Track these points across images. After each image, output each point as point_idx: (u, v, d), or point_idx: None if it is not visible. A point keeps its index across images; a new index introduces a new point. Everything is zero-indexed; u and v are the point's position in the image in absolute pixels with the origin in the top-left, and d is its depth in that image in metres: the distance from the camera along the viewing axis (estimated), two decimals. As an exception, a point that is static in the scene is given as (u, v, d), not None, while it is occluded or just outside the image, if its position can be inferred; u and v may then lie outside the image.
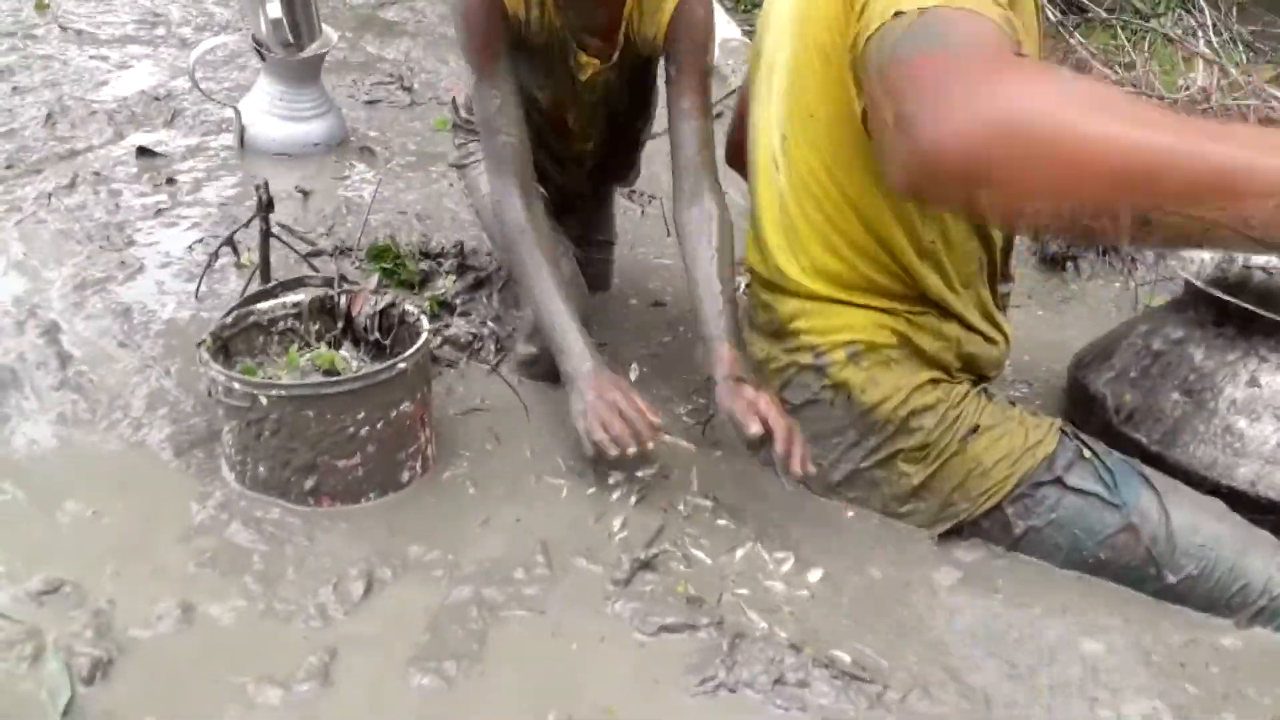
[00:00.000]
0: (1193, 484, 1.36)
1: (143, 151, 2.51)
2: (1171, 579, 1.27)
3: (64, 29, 3.48)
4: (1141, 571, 1.29)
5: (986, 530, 1.37)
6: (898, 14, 1.01)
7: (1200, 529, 1.27)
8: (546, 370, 1.59)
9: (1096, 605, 1.28)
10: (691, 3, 1.49)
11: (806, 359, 1.39)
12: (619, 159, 1.84)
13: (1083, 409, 1.59)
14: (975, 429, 1.33)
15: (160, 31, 3.56)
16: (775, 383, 1.43)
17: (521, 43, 1.51)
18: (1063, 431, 1.34)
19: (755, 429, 1.29)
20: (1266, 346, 1.44)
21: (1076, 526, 1.30)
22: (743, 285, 1.65)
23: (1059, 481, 1.31)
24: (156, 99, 2.88)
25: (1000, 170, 0.90)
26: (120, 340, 1.73)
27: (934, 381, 1.36)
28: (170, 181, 2.38)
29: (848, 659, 1.16)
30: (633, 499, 1.41)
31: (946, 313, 1.35)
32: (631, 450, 1.34)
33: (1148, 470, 1.32)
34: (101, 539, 1.30)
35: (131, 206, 2.24)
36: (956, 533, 1.38)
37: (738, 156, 1.64)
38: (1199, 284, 1.51)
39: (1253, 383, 1.42)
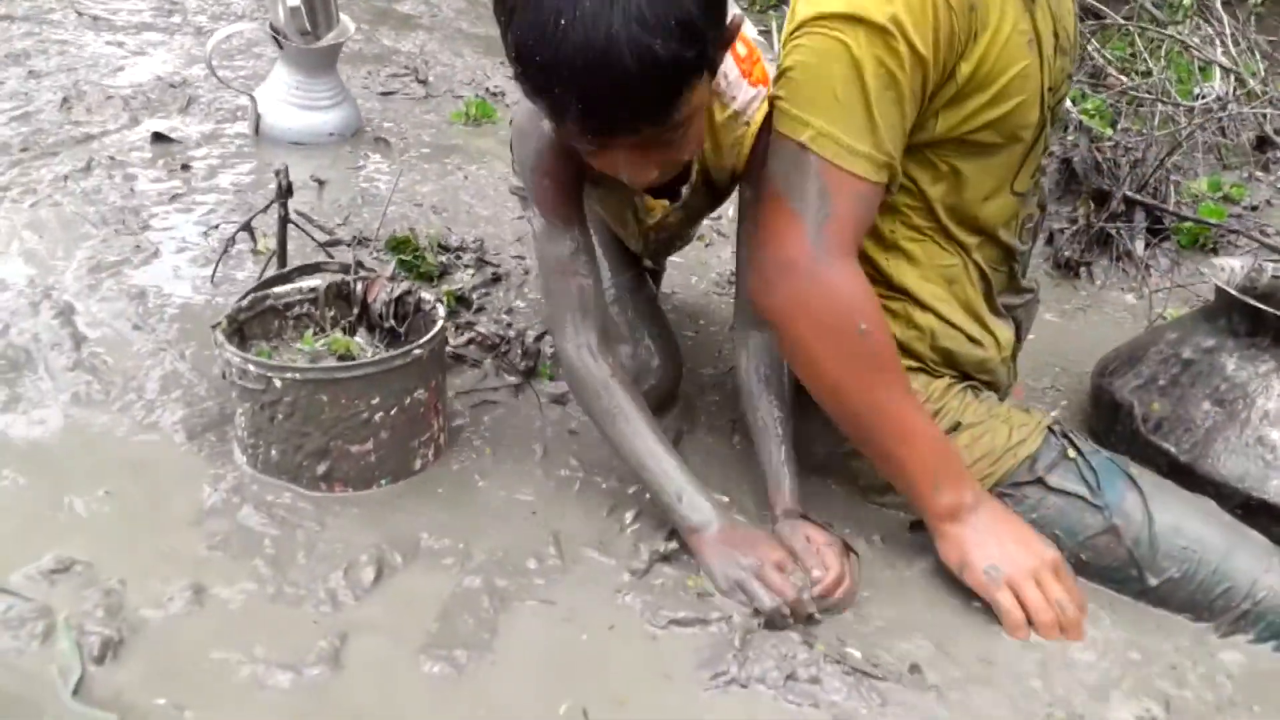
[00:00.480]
0: (1223, 496, 1.34)
1: (158, 137, 2.52)
2: (1153, 581, 1.25)
3: (80, 14, 3.48)
4: (1123, 573, 1.27)
5: None
6: (799, 126, 1.15)
7: (1185, 531, 1.24)
8: None
9: (1089, 608, 1.25)
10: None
11: None
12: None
13: (1108, 416, 1.57)
14: (956, 426, 1.32)
15: (176, 19, 3.56)
16: None
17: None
18: (1050, 430, 1.32)
19: (819, 574, 1.22)
20: (1302, 358, 1.41)
21: (1057, 527, 1.28)
22: None
23: (1040, 482, 1.29)
24: (172, 86, 2.89)
25: (781, 337, 1.23)
26: (135, 323, 1.73)
27: (909, 370, 1.33)
28: (185, 168, 2.38)
29: (859, 655, 1.16)
30: (647, 493, 1.40)
31: (922, 304, 1.33)
32: (813, 611, 1.21)
33: (1135, 470, 1.29)
34: (113, 520, 1.30)
35: (146, 191, 2.24)
36: None
37: None
38: (1234, 292, 1.49)
39: (1286, 395, 1.40)
